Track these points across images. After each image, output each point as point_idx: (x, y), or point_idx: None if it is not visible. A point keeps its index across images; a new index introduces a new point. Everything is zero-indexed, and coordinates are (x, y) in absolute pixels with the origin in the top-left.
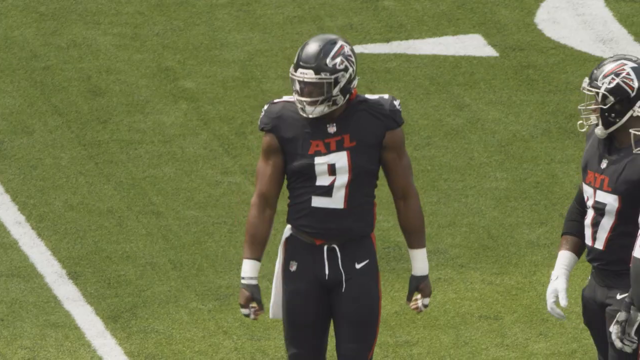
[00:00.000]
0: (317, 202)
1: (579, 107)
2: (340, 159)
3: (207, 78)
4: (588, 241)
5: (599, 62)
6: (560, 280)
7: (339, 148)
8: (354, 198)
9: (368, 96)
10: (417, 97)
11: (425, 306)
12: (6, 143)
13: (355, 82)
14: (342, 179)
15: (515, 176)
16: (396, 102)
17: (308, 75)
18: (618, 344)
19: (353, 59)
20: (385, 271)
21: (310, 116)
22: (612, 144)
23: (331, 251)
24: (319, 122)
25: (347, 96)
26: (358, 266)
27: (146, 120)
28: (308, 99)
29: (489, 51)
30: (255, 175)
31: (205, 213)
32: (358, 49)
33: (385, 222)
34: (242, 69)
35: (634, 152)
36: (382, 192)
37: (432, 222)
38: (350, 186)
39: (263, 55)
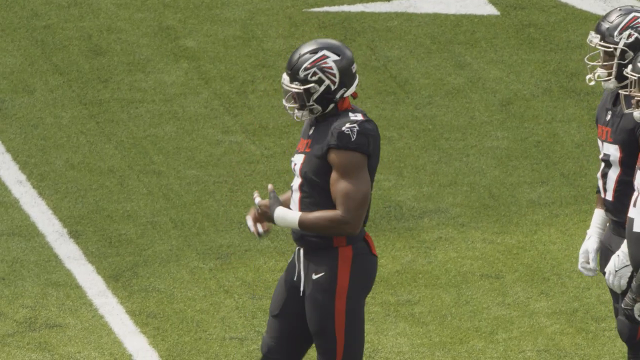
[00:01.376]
0: (291, 200)
1: (585, 60)
2: (299, 161)
3: (208, 37)
4: (602, 193)
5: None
6: (592, 240)
7: (303, 150)
8: (306, 205)
9: (350, 113)
10: (418, 56)
11: (259, 233)
12: (7, 102)
13: (341, 93)
14: (297, 181)
15: (516, 135)
16: (350, 126)
17: (285, 81)
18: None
19: (334, 71)
20: (386, 230)
21: (297, 119)
22: (617, 97)
23: (303, 255)
24: (310, 122)
25: (331, 106)
26: (314, 277)
27: (147, 80)
28: (286, 104)
29: (490, 10)
30: None
31: (206, 172)
32: (359, 7)
33: (386, 182)
34: (243, 28)
35: (624, 112)
36: (384, 151)
37: (434, 181)
38: (302, 191)
39: (264, 14)
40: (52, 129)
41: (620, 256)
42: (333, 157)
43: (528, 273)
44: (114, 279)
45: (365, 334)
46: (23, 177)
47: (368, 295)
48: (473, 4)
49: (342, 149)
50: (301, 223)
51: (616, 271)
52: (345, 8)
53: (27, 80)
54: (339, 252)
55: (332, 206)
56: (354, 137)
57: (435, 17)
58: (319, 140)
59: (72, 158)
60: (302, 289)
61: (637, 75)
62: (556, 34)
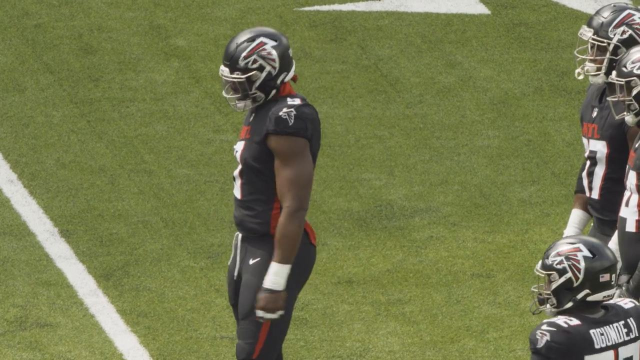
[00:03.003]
0: (234, 188)
1: (575, 53)
2: (240, 148)
3: (199, 36)
4: (587, 192)
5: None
6: None
7: (244, 137)
8: (246, 190)
9: (288, 98)
10: (408, 54)
11: (262, 318)
12: None
13: (281, 78)
14: (238, 168)
15: (507, 134)
16: (287, 110)
17: (225, 72)
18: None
19: (273, 57)
20: (377, 229)
21: (239, 110)
22: (603, 93)
23: (241, 241)
24: (252, 109)
25: (273, 92)
26: (251, 262)
27: (138, 78)
28: (226, 96)
29: (480, 9)
30: None
31: (197, 171)
32: (349, 6)
33: (377, 181)
34: (234, 27)
35: (616, 118)
36: (375, 150)
37: (424, 180)
38: (243, 177)
39: (255, 13)
40: (43, 128)
41: None
42: (273, 143)
43: (519, 272)
44: (104, 278)
45: (355, 333)
46: (14, 176)
47: (359, 294)
48: (464, 3)
49: (281, 134)
50: (282, 259)
51: None
52: (336, 7)
53: (17, 79)
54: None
55: (272, 192)
56: (292, 121)
57: (426, 16)
58: (258, 127)
59: (63, 157)
60: (236, 273)
61: (623, 80)
62: (547, 33)
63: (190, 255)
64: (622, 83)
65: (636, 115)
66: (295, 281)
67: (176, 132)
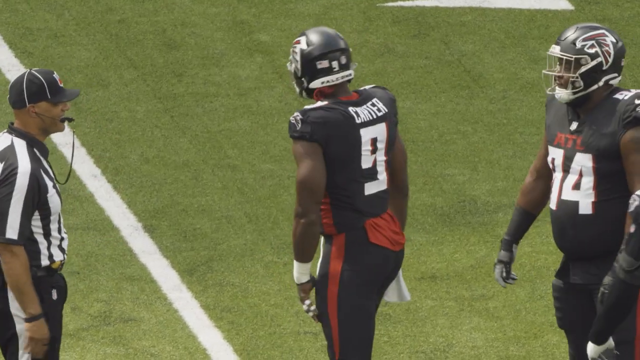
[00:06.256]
0: None
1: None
2: None
3: (282, 31)
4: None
5: None
6: None
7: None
8: None
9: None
10: (492, 50)
11: (309, 311)
12: (82, 96)
13: (314, 85)
14: None
15: None
16: (295, 114)
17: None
18: None
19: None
20: (460, 225)
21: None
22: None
23: None
24: None
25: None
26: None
27: (221, 74)
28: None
29: (564, 4)
30: None
31: (280, 166)
32: (433, 2)
33: (461, 176)
34: (317, 22)
35: (547, 92)
36: (459, 145)
37: (508, 175)
38: None
39: (338, 9)
40: (127, 123)
41: None
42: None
43: None
44: (188, 273)
45: (439, 329)
46: (98, 171)
47: (442, 290)
48: None
49: (291, 138)
50: (294, 256)
51: None
52: (420, 3)
53: (101, 75)
54: (332, 240)
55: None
56: (298, 126)
57: (509, 12)
58: None
59: (147, 152)
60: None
61: (572, 56)
62: (630, 28)
63: (274, 250)
64: (572, 59)
65: (574, 93)
66: (356, 278)
67: (260, 127)
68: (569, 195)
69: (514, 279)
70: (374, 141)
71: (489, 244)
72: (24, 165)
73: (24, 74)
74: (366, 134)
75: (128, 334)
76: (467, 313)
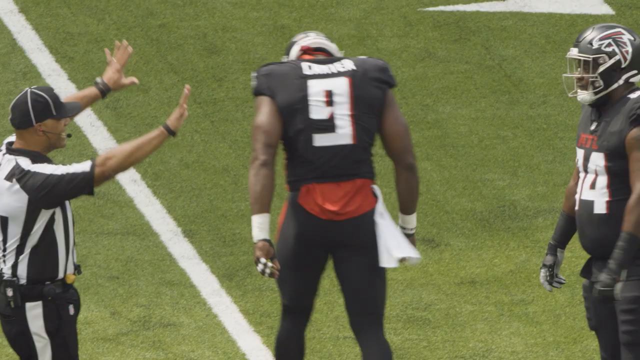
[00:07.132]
0: None
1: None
2: None
3: None
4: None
5: None
6: None
7: None
8: None
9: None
10: (532, 55)
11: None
12: (122, 101)
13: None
14: None
15: None
16: (253, 74)
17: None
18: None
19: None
20: (500, 230)
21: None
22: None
23: None
24: None
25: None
26: None
27: None
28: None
29: (605, 9)
30: None
31: None
32: (474, 7)
33: (501, 181)
34: (358, 27)
35: (569, 95)
36: (498, 151)
37: (548, 180)
38: None
39: (379, 13)
40: None
41: None
42: None
43: None
44: (227, 278)
45: (478, 334)
46: (137, 176)
47: (482, 295)
48: (588, 4)
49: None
50: (251, 208)
51: None
52: (460, 7)
53: (142, 79)
54: (287, 196)
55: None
56: (253, 83)
57: (550, 16)
58: None
59: (187, 157)
60: None
61: (590, 57)
62: None
63: None
64: (590, 60)
65: (596, 93)
66: (287, 233)
67: None
68: (586, 194)
69: (560, 282)
70: (328, 93)
71: (528, 249)
72: (29, 164)
73: (24, 93)
74: (316, 85)
75: (167, 338)
76: (507, 318)
